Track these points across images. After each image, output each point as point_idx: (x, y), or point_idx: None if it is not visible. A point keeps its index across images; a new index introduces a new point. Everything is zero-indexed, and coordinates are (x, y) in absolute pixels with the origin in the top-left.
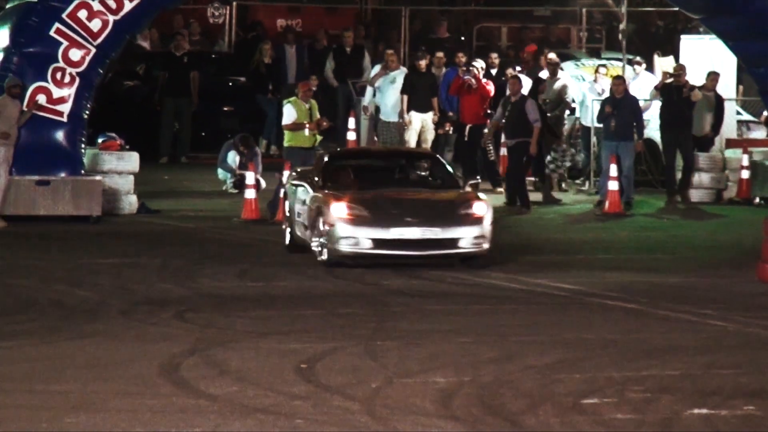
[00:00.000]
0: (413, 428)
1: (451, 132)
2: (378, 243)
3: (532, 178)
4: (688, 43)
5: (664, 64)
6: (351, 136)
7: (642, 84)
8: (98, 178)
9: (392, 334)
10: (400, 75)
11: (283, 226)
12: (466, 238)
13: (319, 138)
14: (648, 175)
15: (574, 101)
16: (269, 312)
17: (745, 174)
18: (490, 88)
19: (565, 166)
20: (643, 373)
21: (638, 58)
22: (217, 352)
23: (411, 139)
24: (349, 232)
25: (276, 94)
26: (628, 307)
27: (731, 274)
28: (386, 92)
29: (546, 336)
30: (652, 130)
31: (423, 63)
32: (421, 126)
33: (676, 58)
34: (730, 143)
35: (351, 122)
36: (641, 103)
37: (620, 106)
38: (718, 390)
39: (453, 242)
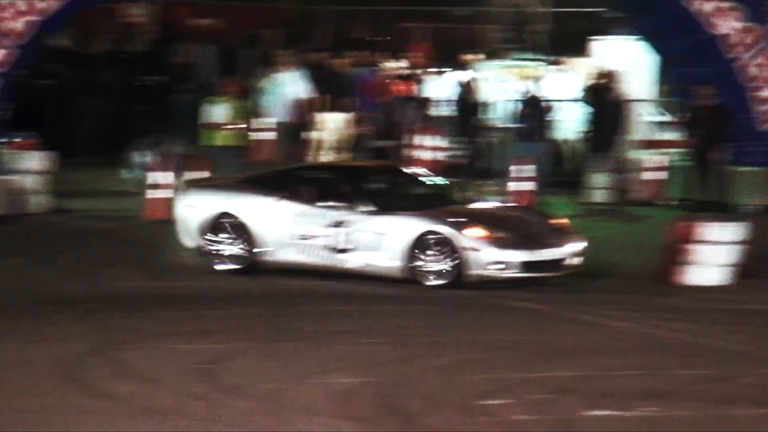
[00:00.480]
0: (314, 428)
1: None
2: (527, 266)
3: None
4: (602, 44)
5: (580, 65)
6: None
7: (559, 85)
8: (8, 178)
9: (294, 335)
10: (292, 76)
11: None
12: (570, 254)
13: (242, 136)
14: (561, 174)
15: (489, 101)
16: (172, 312)
17: (660, 175)
18: (409, 88)
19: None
20: (544, 374)
21: (556, 59)
22: (119, 352)
23: (327, 139)
24: (498, 257)
25: (191, 93)
26: (528, 307)
27: (639, 276)
28: (274, 93)
29: (448, 337)
30: (566, 131)
31: (340, 62)
32: (335, 126)
33: (591, 59)
34: (644, 144)
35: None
36: (555, 104)
37: (535, 107)
38: (618, 391)
39: (564, 260)
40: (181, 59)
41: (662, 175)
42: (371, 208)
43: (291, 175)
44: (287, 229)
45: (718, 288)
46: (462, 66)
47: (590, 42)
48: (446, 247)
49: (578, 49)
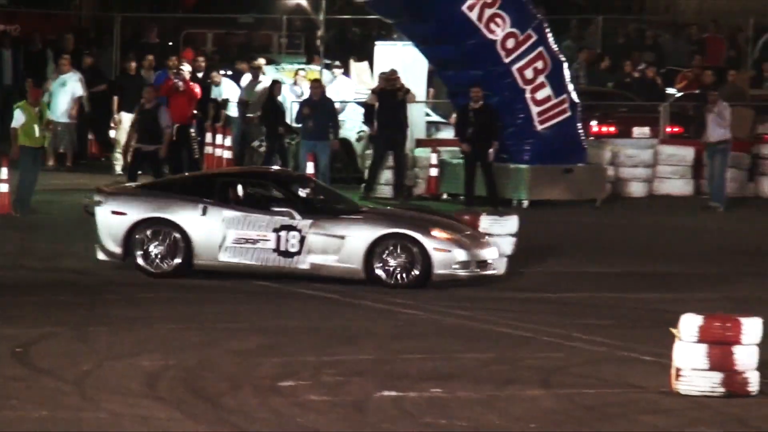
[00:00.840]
0: (121, 408)
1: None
2: (481, 264)
3: None
4: (382, 48)
5: (359, 68)
6: None
7: (339, 87)
8: None
9: (103, 320)
10: (71, 78)
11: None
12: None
13: (48, 138)
14: (343, 172)
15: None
16: None
17: (434, 172)
18: (197, 90)
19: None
20: (338, 358)
21: (336, 63)
22: None
23: (121, 138)
24: (463, 257)
25: None
26: (324, 296)
27: None
28: (58, 95)
29: (247, 323)
30: (347, 130)
31: (132, 65)
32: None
33: (371, 63)
34: (419, 143)
35: None
36: (337, 105)
37: (318, 108)
38: (408, 373)
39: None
40: None
41: (435, 171)
42: (317, 213)
43: (214, 180)
44: (221, 233)
45: (494, 277)
46: (254, 69)
47: (371, 46)
48: (411, 248)
49: (359, 53)
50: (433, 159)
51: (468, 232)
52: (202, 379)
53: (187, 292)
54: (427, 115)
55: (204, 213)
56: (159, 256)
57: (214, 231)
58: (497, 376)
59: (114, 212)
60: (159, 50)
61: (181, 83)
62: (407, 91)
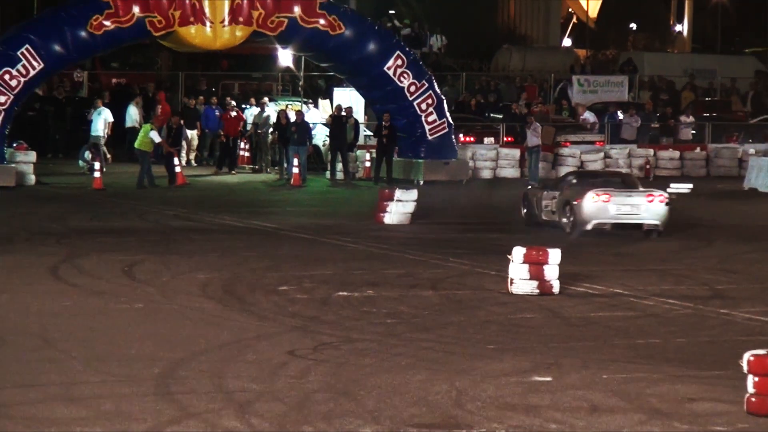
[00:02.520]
0: (186, 302)
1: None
2: None
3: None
4: (338, 92)
5: (323, 103)
6: None
7: (312, 114)
8: (12, 165)
9: (174, 251)
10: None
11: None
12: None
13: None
14: (315, 164)
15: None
16: (109, 238)
17: (368, 164)
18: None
19: (267, 159)
20: (312, 273)
21: (310, 100)
22: (76, 261)
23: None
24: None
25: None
26: (303, 236)
27: (361, 219)
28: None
29: (259, 252)
30: (317, 140)
31: (192, 102)
32: (191, 137)
33: (331, 100)
34: (359, 147)
35: None
36: (311, 125)
37: (300, 127)
38: (353, 282)
39: None
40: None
41: (368, 164)
42: None
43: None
44: None
45: (403, 226)
46: (261, 104)
47: (331, 91)
48: None
49: (324, 94)
50: (367, 156)
51: None
52: (233, 285)
53: (220, 233)
54: (365, 131)
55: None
56: None
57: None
58: (405, 283)
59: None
60: (206, 93)
61: (234, 112)
62: (349, 116)
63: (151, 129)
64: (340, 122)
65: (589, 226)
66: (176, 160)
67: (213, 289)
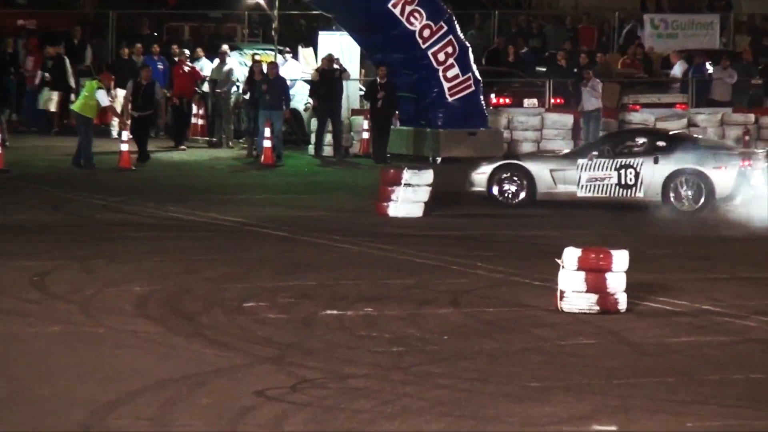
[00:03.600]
0: (117, 325)
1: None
2: None
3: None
4: (324, 37)
5: (306, 53)
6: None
7: (289, 68)
8: None
9: (102, 254)
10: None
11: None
12: None
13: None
14: (293, 135)
15: (238, 80)
16: (8, 237)
17: (366, 135)
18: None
19: (229, 129)
20: (289, 284)
21: (287, 49)
22: None
23: (117, 108)
24: None
25: (16, 76)
26: (278, 234)
27: (357, 210)
28: None
29: (218, 255)
30: (296, 102)
31: (125, 52)
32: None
33: (315, 49)
34: (354, 112)
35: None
36: (288, 82)
37: (273, 85)
38: (345, 296)
39: None
40: (9, 50)
41: (367, 135)
42: None
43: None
44: None
45: (413, 218)
46: (221, 54)
47: (316, 36)
48: None
49: (306, 41)
50: (365, 124)
51: None
52: (181, 301)
53: (168, 231)
54: (360, 90)
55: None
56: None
57: None
58: (416, 298)
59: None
60: (147, 40)
61: (187, 66)
62: (343, 70)
63: (98, 87)
64: (330, 78)
65: (735, 202)
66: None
67: (154, 307)
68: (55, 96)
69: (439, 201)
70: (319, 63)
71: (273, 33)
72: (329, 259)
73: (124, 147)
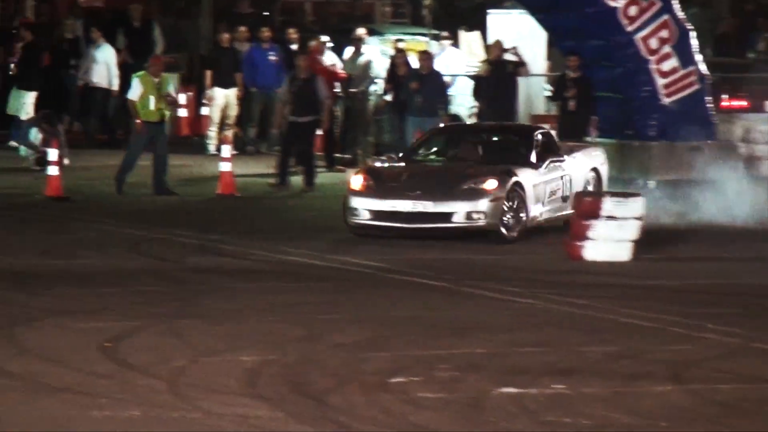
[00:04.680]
0: (218, 408)
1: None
2: (379, 215)
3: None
4: (495, 18)
5: (470, 39)
6: None
7: (448, 59)
8: None
9: (196, 312)
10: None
11: None
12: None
13: (167, 113)
14: None
15: (378, 76)
16: (71, 290)
17: None
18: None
19: (367, 141)
20: (450, 351)
21: (444, 33)
22: (16, 331)
23: (215, 115)
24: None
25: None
26: (432, 284)
27: (538, 251)
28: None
29: (352, 314)
30: (458, 105)
31: (226, 37)
32: (224, 102)
33: (483, 33)
34: (535, 118)
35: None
36: (446, 79)
37: (426, 82)
38: (527, 368)
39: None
40: (68, 35)
41: None
42: None
43: None
44: None
45: (618, 263)
46: (355, 41)
47: (483, 15)
48: None
49: (470, 22)
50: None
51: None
52: (304, 376)
53: (282, 280)
54: (545, 89)
55: None
56: None
57: None
58: (623, 371)
59: None
60: (253, 21)
61: (330, 58)
62: (520, 63)
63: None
64: (503, 73)
65: None
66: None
67: (268, 383)
68: None
69: (653, 239)
70: (488, 52)
71: (425, 12)
72: (503, 319)
73: (226, 167)
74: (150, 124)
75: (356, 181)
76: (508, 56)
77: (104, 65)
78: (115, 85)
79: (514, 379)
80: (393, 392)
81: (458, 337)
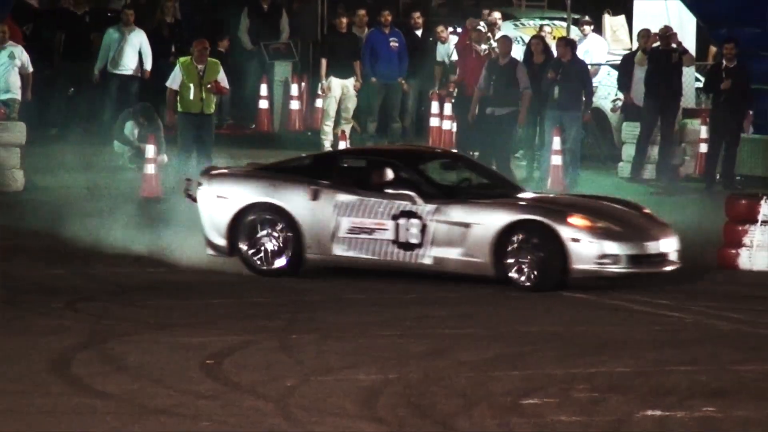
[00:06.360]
0: (332, 431)
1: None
2: (634, 260)
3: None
4: (642, 1)
5: (614, 23)
6: (263, 104)
7: (590, 46)
8: None
9: (309, 327)
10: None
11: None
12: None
13: (211, 104)
14: (596, 149)
15: None
16: (172, 301)
17: (704, 148)
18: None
19: None
20: (590, 371)
21: (586, 18)
22: (113, 346)
23: (331, 108)
24: (606, 249)
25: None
26: (573, 296)
27: (691, 259)
28: None
29: (481, 329)
30: (600, 98)
31: (344, 21)
32: (341, 93)
33: (629, 18)
34: (687, 113)
35: (263, 89)
36: (590, 69)
37: (566, 72)
38: (674, 389)
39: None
40: (168, 19)
41: (706, 147)
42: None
43: (334, 161)
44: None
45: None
46: (489, 26)
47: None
48: (543, 239)
49: (614, 6)
50: (702, 131)
51: (636, 221)
52: (429, 396)
53: (404, 291)
54: (698, 80)
55: (315, 197)
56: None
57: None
58: None
59: (218, 197)
60: (372, 5)
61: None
62: (684, 51)
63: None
64: (659, 62)
65: None
66: None
67: (388, 404)
68: None
69: None
70: (635, 39)
71: None
72: (649, 335)
73: None
74: (190, 116)
75: None
76: (672, 44)
77: None
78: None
79: (659, 400)
80: (525, 415)
81: (598, 355)
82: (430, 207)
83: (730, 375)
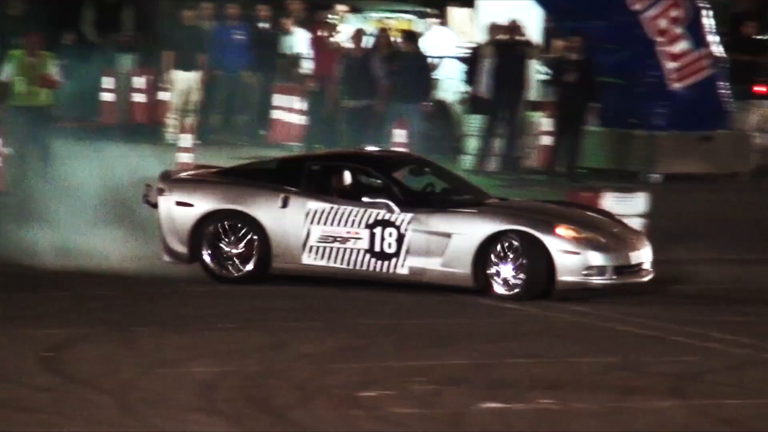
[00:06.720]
0: (171, 424)
1: None
2: (619, 271)
3: None
4: None
5: (458, 16)
6: (106, 97)
7: (437, 38)
8: None
9: (147, 319)
10: None
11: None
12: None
13: (41, 96)
14: (441, 140)
15: None
16: (9, 294)
17: (547, 140)
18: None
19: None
20: (429, 363)
21: (431, 10)
22: None
23: (174, 101)
24: (594, 261)
25: None
26: (409, 292)
27: None
28: None
29: (320, 322)
30: (444, 91)
31: (189, 14)
32: (186, 86)
33: (475, 10)
34: (531, 105)
35: (106, 82)
36: (435, 61)
37: (408, 65)
38: (513, 382)
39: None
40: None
41: (550, 139)
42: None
43: (302, 165)
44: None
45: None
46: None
47: None
48: (529, 249)
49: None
50: (547, 124)
51: (615, 230)
52: (267, 389)
53: (244, 283)
54: (542, 73)
55: (285, 204)
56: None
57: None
58: (619, 384)
59: (179, 203)
60: None
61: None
62: (527, 44)
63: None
64: (506, 55)
65: None
66: None
67: (226, 397)
68: None
69: (659, 239)
70: (485, 32)
71: None
72: (487, 327)
73: (185, 158)
74: (22, 109)
75: None
76: (517, 36)
77: None
78: None
79: (497, 393)
80: (363, 407)
81: (437, 347)
82: (407, 215)
83: (568, 367)
